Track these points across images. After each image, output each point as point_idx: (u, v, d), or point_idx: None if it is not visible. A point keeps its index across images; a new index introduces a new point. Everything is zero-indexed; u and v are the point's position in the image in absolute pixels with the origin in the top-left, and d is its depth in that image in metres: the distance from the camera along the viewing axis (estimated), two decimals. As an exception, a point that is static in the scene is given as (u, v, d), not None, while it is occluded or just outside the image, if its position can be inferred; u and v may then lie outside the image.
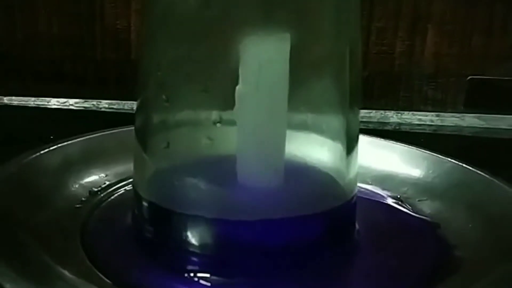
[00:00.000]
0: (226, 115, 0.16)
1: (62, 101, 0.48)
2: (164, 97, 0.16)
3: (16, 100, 0.48)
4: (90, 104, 0.48)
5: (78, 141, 0.23)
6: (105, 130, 0.25)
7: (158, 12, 0.16)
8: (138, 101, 0.18)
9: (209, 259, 0.16)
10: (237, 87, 0.16)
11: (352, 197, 0.18)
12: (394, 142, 0.26)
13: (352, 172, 0.18)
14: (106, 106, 0.48)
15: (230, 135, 0.16)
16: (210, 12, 0.15)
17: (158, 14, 0.16)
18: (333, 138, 0.18)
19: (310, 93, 0.17)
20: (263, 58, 0.16)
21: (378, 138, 0.26)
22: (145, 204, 0.17)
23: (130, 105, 0.47)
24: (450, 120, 0.47)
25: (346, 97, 0.17)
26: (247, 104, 0.16)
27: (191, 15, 0.16)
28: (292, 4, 0.16)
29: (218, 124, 0.15)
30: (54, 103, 0.48)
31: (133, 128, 0.18)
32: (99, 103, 0.48)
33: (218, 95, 0.16)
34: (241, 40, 0.15)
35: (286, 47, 0.16)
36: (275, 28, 0.16)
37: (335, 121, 0.18)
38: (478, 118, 0.46)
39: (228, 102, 0.15)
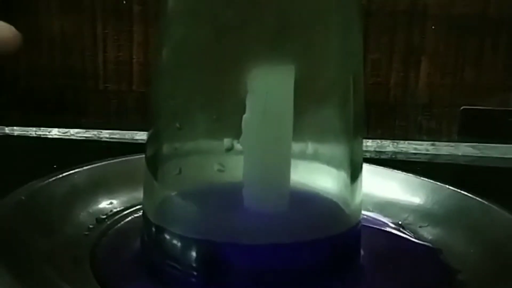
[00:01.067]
0: (237, 143, 0.16)
1: (64, 131, 0.49)
2: (177, 125, 0.16)
3: (17, 130, 0.49)
4: (91, 134, 0.48)
5: (84, 169, 0.24)
6: (110, 158, 0.26)
7: (172, 44, 0.17)
8: (150, 130, 0.18)
9: (218, 283, 0.16)
10: (244, 116, 0.16)
11: (357, 224, 0.18)
12: (393, 170, 0.27)
13: (357, 200, 0.19)
14: (107, 136, 0.48)
15: (241, 163, 0.16)
16: (220, 46, 0.16)
17: (172, 46, 0.17)
18: (338, 166, 0.18)
19: (315, 122, 0.18)
20: (269, 89, 0.16)
21: (378, 166, 0.27)
22: (155, 229, 0.17)
23: (131, 135, 0.48)
24: (445, 149, 0.48)
25: (349, 126, 0.18)
26: (254, 133, 0.16)
27: (203, 48, 0.16)
28: (296, 38, 0.17)
29: (229, 152, 0.16)
30: (55, 133, 0.48)
31: (138, 156, 0.19)
32: (100, 133, 0.48)
33: (230, 123, 0.16)
34: (248, 72, 0.16)
35: (291, 78, 0.16)
36: (280, 61, 0.17)
37: (340, 150, 0.18)
38: (472, 147, 0.47)
39: (239, 131, 0.16)
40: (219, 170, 0.16)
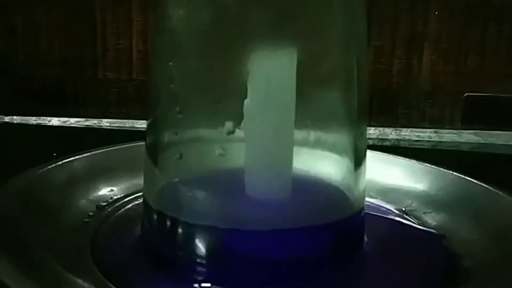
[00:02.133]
0: (239, 128, 0.16)
1: (63, 121, 0.48)
2: (177, 109, 0.16)
3: (17, 120, 0.48)
4: (91, 123, 0.48)
5: (84, 156, 0.24)
6: (110, 145, 0.25)
7: (171, 27, 0.17)
8: (150, 117, 0.18)
9: (219, 269, 0.16)
10: (245, 101, 0.16)
11: (361, 210, 0.18)
12: (397, 156, 0.26)
13: (361, 186, 0.18)
14: (107, 125, 0.48)
15: (242, 147, 0.16)
16: (221, 28, 0.16)
17: (171, 29, 0.17)
18: (341, 153, 0.18)
19: (318, 107, 0.17)
20: (271, 72, 0.16)
21: (381, 153, 0.27)
22: (156, 215, 0.17)
23: (131, 124, 0.48)
24: (448, 136, 0.47)
25: (353, 111, 0.18)
26: (255, 118, 0.16)
27: (203, 31, 0.16)
28: (299, 20, 0.17)
29: (231, 136, 0.16)
30: (55, 122, 0.48)
31: (138, 143, 0.19)
32: (100, 122, 0.48)
33: (231, 108, 0.16)
34: (249, 55, 0.16)
35: (293, 62, 0.16)
36: (282, 44, 0.16)
37: (343, 136, 0.18)
38: (475, 134, 0.47)
39: (240, 115, 0.16)
40: (221, 155, 0.16)
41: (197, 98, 0.16)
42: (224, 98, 0.16)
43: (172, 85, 0.17)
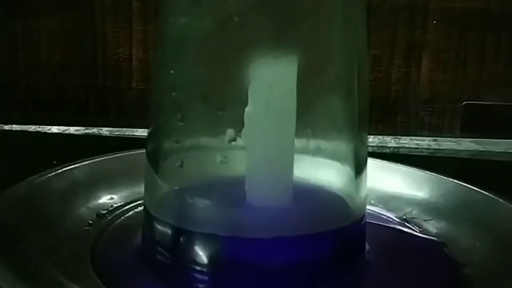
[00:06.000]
0: (239, 135, 0.16)
1: (63, 129, 0.48)
2: (179, 116, 0.16)
3: (17, 128, 0.48)
4: (91, 131, 0.48)
5: (85, 164, 0.24)
6: (110, 154, 0.25)
7: (173, 35, 0.17)
8: (151, 124, 0.18)
9: (220, 277, 0.16)
10: (246, 109, 0.16)
11: (362, 217, 0.18)
12: (396, 163, 0.26)
13: (362, 194, 0.18)
14: (107, 134, 0.48)
15: (243, 155, 0.16)
16: (222, 36, 0.16)
17: (173, 37, 0.17)
18: (342, 160, 0.18)
19: (318, 115, 0.17)
20: (272, 80, 0.16)
21: (380, 160, 0.27)
22: (157, 223, 0.17)
23: (131, 132, 0.48)
24: (447, 144, 0.47)
25: (354, 119, 0.18)
26: (256, 126, 0.16)
27: (204, 38, 0.16)
28: (300, 28, 0.17)
29: (233, 143, 0.16)
30: (54, 131, 0.48)
31: (138, 151, 0.19)
32: (99, 130, 0.48)
33: (232, 115, 0.16)
34: (251, 62, 0.16)
35: (294, 70, 0.16)
36: (282, 52, 0.16)
37: (344, 143, 0.18)
38: (475, 142, 0.47)
39: (242, 123, 0.16)
40: (222, 162, 0.16)
41: (198, 106, 0.17)
42: (225, 106, 0.16)
43: (173, 93, 0.17)
